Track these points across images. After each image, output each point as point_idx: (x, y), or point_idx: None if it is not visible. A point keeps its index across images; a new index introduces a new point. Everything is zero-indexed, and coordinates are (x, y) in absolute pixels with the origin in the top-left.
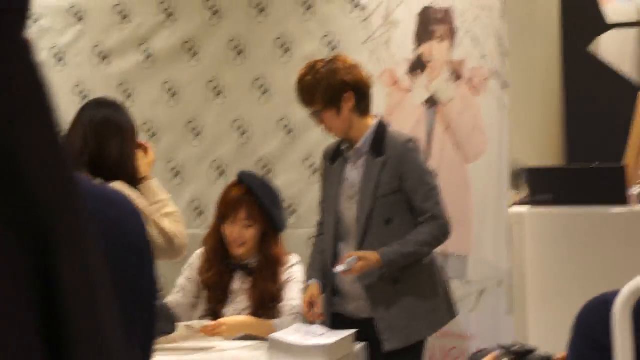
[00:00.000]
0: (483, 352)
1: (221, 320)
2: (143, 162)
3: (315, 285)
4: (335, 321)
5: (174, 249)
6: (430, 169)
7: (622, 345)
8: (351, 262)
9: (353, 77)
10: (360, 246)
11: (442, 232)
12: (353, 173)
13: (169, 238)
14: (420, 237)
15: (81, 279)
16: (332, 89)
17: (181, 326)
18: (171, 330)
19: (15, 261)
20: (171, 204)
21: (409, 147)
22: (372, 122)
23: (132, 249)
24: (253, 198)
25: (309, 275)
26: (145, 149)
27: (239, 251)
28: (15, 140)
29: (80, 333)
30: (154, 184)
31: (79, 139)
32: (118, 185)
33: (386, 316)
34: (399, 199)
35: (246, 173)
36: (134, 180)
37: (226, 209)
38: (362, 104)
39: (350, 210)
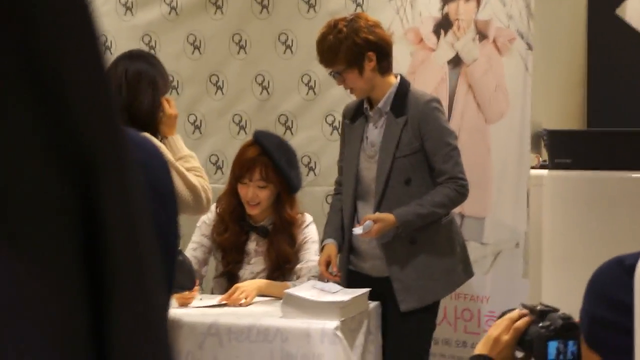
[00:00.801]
0: (511, 310)
1: (237, 285)
2: (166, 117)
3: (331, 245)
4: (351, 279)
5: (201, 203)
6: (452, 130)
7: None
8: (368, 225)
9: (375, 36)
10: (379, 205)
11: (460, 194)
12: (374, 132)
13: (195, 191)
14: (437, 198)
15: (125, 215)
16: (355, 48)
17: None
18: (191, 286)
19: (59, 194)
20: (194, 160)
21: (431, 106)
22: (394, 81)
23: (158, 193)
24: (268, 158)
25: (327, 235)
26: (168, 102)
27: (253, 211)
28: (63, 68)
29: (121, 270)
30: (178, 140)
31: (113, 90)
32: (148, 137)
33: (402, 276)
34: (419, 159)
35: (262, 132)
36: (154, 130)
37: (241, 169)
38: (384, 63)
39: (369, 169)
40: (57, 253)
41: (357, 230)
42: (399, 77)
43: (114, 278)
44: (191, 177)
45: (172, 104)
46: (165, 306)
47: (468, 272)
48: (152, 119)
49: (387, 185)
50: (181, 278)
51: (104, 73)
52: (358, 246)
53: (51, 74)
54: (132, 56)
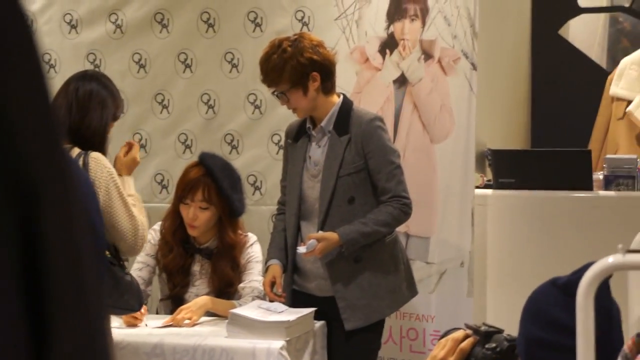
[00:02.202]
0: (454, 330)
1: (182, 307)
2: (126, 159)
3: (276, 265)
4: (296, 299)
5: (137, 240)
6: (395, 148)
7: (585, 328)
8: (312, 244)
9: (319, 55)
10: (323, 225)
11: (404, 212)
12: (317, 151)
13: (136, 226)
14: (380, 216)
15: (68, 242)
16: (300, 68)
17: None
18: (139, 307)
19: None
20: (139, 203)
21: (374, 124)
22: (336, 100)
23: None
24: (211, 180)
25: (270, 255)
26: (130, 146)
27: (193, 232)
28: (4, 98)
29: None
30: (130, 181)
31: (64, 109)
32: (97, 155)
33: (347, 295)
34: (362, 178)
35: (208, 154)
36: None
37: (184, 189)
38: (328, 83)
39: (313, 189)
40: None
41: (301, 249)
42: (341, 96)
43: (56, 301)
44: (136, 212)
45: (136, 149)
46: (109, 331)
47: (412, 291)
48: (101, 138)
49: (331, 204)
50: (129, 299)
51: (48, 101)
52: (302, 266)
53: None
54: (85, 77)
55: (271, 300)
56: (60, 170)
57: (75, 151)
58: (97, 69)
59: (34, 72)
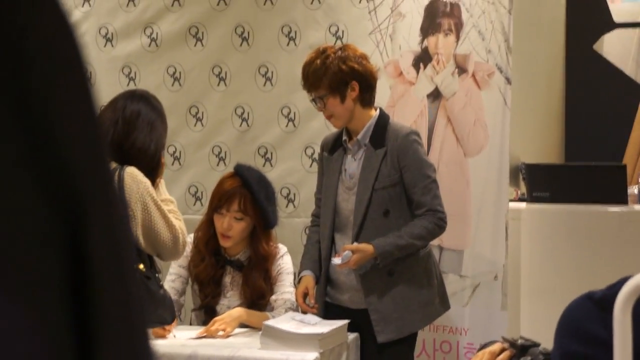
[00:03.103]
0: (491, 343)
1: (216, 318)
2: None
3: (309, 276)
4: (329, 311)
5: (177, 246)
6: (430, 162)
7: (623, 343)
8: (347, 255)
9: (362, 67)
10: (357, 237)
11: (439, 226)
12: (352, 164)
13: (175, 234)
14: (415, 230)
15: (112, 250)
16: (340, 75)
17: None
18: (171, 320)
19: (45, 227)
20: (173, 205)
21: (410, 139)
22: (373, 113)
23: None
24: (248, 191)
25: (304, 266)
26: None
27: (226, 243)
28: (52, 103)
29: (109, 306)
30: (162, 184)
31: (109, 122)
32: (132, 170)
33: (380, 307)
34: (397, 191)
35: (243, 166)
36: (151, 171)
37: (220, 199)
38: (367, 96)
39: (348, 201)
40: (41, 286)
41: (336, 260)
42: (378, 110)
43: (102, 313)
44: (173, 219)
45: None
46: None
47: (445, 305)
48: (140, 157)
49: (366, 217)
50: (163, 313)
51: (93, 109)
52: (336, 278)
53: (40, 109)
54: (134, 95)
55: (304, 312)
56: (107, 183)
57: (112, 166)
58: (131, 82)
59: (81, 82)
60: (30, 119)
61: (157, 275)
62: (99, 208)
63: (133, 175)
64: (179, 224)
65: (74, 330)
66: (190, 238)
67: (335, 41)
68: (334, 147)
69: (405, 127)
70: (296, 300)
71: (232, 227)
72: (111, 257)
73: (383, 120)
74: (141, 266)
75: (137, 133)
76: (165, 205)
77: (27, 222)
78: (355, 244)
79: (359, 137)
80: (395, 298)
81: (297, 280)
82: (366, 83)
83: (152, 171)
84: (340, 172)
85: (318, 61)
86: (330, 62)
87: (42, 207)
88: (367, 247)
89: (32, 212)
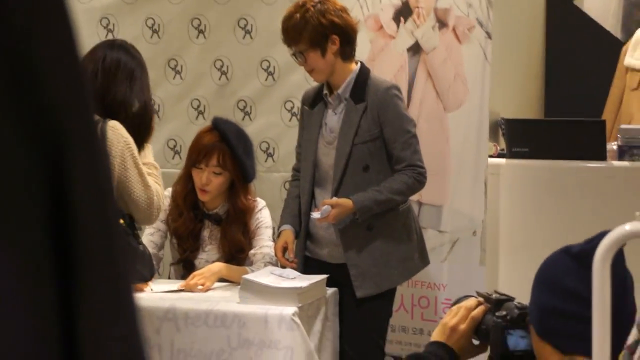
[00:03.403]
0: (465, 297)
1: (196, 272)
2: None
3: (289, 231)
4: (308, 265)
5: (152, 208)
6: (411, 118)
7: (602, 295)
8: (326, 210)
9: (342, 20)
10: (337, 192)
11: (418, 181)
12: (333, 118)
13: (150, 194)
14: (395, 185)
15: (95, 192)
16: (320, 29)
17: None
18: (150, 277)
19: (27, 166)
20: (156, 170)
21: (391, 93)
22: (354, 67)
23: None
24: (226, 145)
25: (284, 221)
26: None
27: (203, 197)
28: (35, 47)
29: (92, 246)
30: (148, 148)
31: (89, 73)
32: (115, 124)
33: (359, 262)
34: (377, 146)
35: (221, 119)
36: (135, 128)
37: (198, 154)
38: (347, 49)
39: (328, 155)
40: (23, 227)
41: (315, 214)
42: (359, 64)
43: (85, 258)
44: (151, 181)
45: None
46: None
47: (424, 261)
48: (125, 110)
49: (346, 171)
50: (142, 269)
51: (77, 54)
52: (315, 232)
53: (23, 52)
54: (113, 45)
55: (283, 266)
56: (90, 129)
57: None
58: (109, 34)
59: (64, 27)
60: (13, 61)
61: (135, 231)
62: (83, 153)
63: (115, 129)
64: (156, 187)
65: (57, 275)
66: (168, 192)
67: None
68: (315, 101)
69: (386, 81)
70: (275, 254)
71: (210, 181)
72: (94, 202)
73: (363, 74)
74: (121, 221)
75: (118, 86)
76: (147, 168)
77: (8, 163)
78: (334, 198)
79: (340, 91)
80: (374, 253)
81: (277, 235)
82: (346, 36)
83: (137, 129)
84: (321, 126)
85: (297, 15)
86: (310, 16)
87: (24, 149)
88: (346, 202)
89: (14, 154)
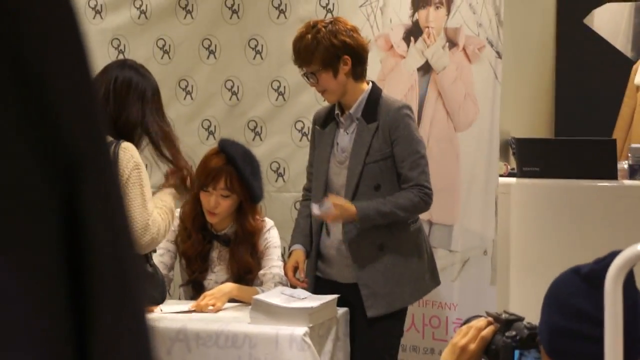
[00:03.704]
0: (474, 317)
1: (206, 293)
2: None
3: (299, 251)
4: (319, 285)
5: (145, 236)
6: (421, 138)
7: (614, 316)
8: (327, 206)
9: (353, 40)
10: None
11: (424, 201)
12: (345, 138)
13: (146, 221)
14: (400, 200)
15: (108, 216)
16: (332, 50)
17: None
18: (162, 300)
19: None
20: (166, 208)
21: (402, 113)
22: (366, 87)
23: None
24: (233, 168)
25: (294, 240)
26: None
27: (212, 219)
28: (47, 71)
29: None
30: (167, 194)
31: (101, 95)
32: (128, 145)
33: (370, 282)
34: (388, 165)
35: (228, 141)
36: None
37: (206, 177)
38: (359, 69)
39: (339, 175)
40: (36, 249)
41: (315, 208)
42: (370, 84)
43: (98, 279)
44: (153, 210)
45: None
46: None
47: (435, 280)
48: (136, 131)
49: (357, 191)
50: (153, 291)
51: (90, 77)
52: (326, 252)
53: (35, 76)
54: (124, 65)
55: (293, 286)
56: (103, 150)
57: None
58: (120, 55)
59: (77, 48)
60: (23, 84)
61: (147, 253)
62: (95, 175)
63: (127, 151)
64: (158, 219)
65: (70, 296)
66: (177, 213)
67: (326, 14)
68: (326, 120)
69: (398, 101)
70: (286, 274)
71: (219, 204)
72: (107, 224)
73: (375, 94)
74: None
75: (131, 108)
76: (158, 201)
77: (21, 187)
78: (341, 199)
79: (352, 111)
80: (385, 273)
81: (288, 254)
82: (358, 57)
83: (137, 141)
84: (332, 145)
85: (309, 36)
86: (322, 37)
87: (37, 172)
88: (350, 207)
89: (27, 175)
